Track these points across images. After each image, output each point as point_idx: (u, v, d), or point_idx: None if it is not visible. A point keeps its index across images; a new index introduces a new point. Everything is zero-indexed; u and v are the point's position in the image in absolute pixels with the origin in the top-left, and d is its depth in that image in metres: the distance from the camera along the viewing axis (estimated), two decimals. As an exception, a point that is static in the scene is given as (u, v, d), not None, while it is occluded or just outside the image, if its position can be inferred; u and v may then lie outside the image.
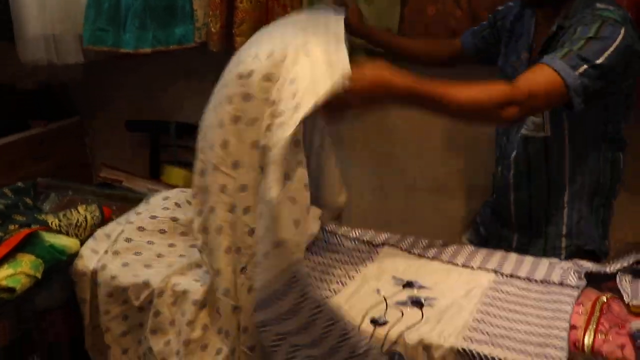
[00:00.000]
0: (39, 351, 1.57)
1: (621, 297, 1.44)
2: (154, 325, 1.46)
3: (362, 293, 1.43)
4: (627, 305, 1.40)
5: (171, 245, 1.62)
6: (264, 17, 2.28)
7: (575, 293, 1.40)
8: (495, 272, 1.52)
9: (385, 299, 1.39)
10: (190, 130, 2.58)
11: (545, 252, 1.72)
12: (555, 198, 1.72)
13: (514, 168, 1.74)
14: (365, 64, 1.30)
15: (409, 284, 1.46)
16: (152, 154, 2.63)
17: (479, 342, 1.25)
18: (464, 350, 1.23)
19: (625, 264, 1.49)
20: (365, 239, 1.67)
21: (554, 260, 1.57)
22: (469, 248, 1.63)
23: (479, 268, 1.54)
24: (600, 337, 1.31)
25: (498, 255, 1.60)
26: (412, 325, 1.30)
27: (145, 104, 2.70)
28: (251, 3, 2.26)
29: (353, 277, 1.50)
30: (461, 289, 1.44)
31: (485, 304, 1.38)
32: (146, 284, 1.47)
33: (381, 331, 1.29)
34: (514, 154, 1.73)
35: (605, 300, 1.43)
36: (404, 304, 1.38)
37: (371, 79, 1.28)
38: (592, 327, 1.34)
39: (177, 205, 1.74)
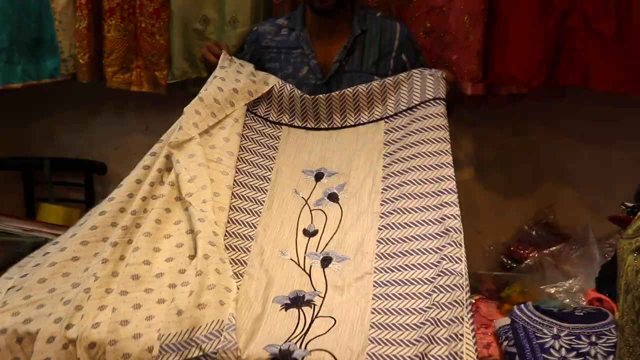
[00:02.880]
0: None
1: (489, 298, 1.55)
2: None
3: (285, 201, 1.60)
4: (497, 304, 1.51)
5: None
6: (133, 45, 2.26)
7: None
8: (384, 119, 1.76)
9: (306, 202, 1.59)
10: (65, 165, 2.52)
11: None
12: None
13: None
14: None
15: (318, 176, 1.66)
16: (26, 191, 2.51)
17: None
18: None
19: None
20: (260, 114, 1.82)
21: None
22: (349, 93, 1.79)
23: (369, 122, 1.77)
24: (468, 338, 1.39)
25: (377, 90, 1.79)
26: (335, 230, 1.50)
27: (15, 140, 2.56)
28: (119, 32, 2.23)
29: (269, 177, 1.67)
30: (361, 158, 1.67)
31: (385, 189, 1.56)
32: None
33: (314, 241, 1.48)
34: None
35: (474, 302, 1.52)
36: (322, 202, 1.58)
37: None
38: (461, 329, 1.42)
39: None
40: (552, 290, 1.55)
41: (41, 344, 1.30)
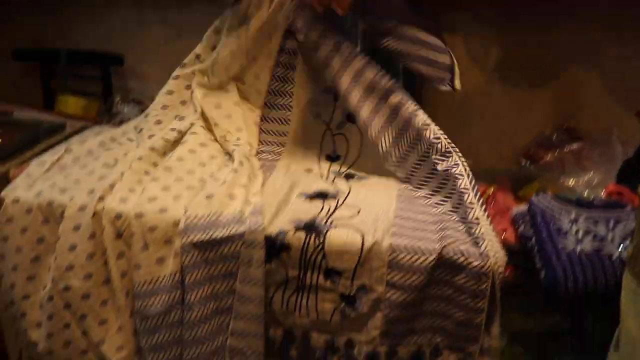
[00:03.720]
0: None
1: (507, 188, 1.54)
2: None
3: (308, 128, 1.65)
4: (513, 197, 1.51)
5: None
6: None
7: None
8: None
9: (328, 127, 1.64)
10: (82, 58, 2.49)
11: None
12: None
13: None
14: None
15: (337, 96, 1.64)
16: (44, 84, 2.50)
17: None
18: None
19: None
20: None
21: None
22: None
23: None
24: (484, 224, 1.40)
25: None
26: (358, 155, 1.59)
27: (31, 31, 2.53)
28: None
29: (291, 105, 1.67)
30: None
31: None
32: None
33: (337, 164, 1.59)
34: None
35: (490, 193, 1.52)
36: (342, 125, 1.64)
37: None
38: (478, 216, 1.42)
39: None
40: (571, 183, 1.54)
41: (72, 211, 1.35)
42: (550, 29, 2.22)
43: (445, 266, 1.22)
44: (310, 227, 1.29)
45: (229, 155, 1.55)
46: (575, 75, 2.26)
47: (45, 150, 1.71)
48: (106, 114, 2.38)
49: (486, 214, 1.27)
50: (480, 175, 1.67)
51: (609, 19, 2.14)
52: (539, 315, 1.42)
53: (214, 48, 1.67)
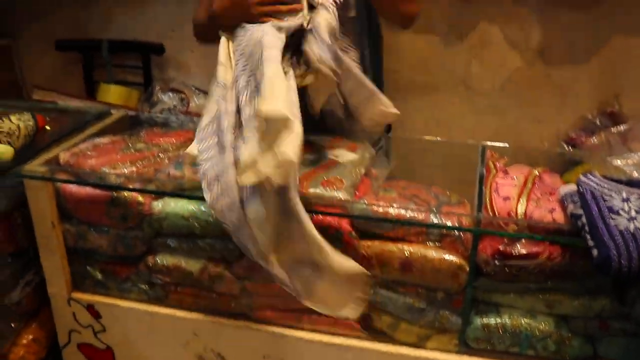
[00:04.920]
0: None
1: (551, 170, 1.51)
2: None
3: None
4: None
5: None
6: None
7: None
8: None
9: None
10: (123, 48, 2.53)
11: None
12: None
13: None
14: None
15: None
16: (85, 74, 2.54)
17: None
18: None
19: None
20: None
21: None
22: None
23: None
24: (532, 204, 1.38)
25: None
26: None
27: (74, 21, 2.58)
28: None
29: None
30: None
31: None
32: None
33: None
34: None
35: (537, 174, 1.49)
36: None
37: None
38: (524, 197, 1.40)
39: None
40: (620, 163, 1.51)
41: None
42: (590, 6, 2.18)
43: None
44: None
45: None
46: (617, 54, 2.21)
47: (91, 135, 1.74)
48: (146, 102, 2.41)
49: None
50: (522, 156, 1.66)
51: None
52: (587, 299, 1.39)
53: None
